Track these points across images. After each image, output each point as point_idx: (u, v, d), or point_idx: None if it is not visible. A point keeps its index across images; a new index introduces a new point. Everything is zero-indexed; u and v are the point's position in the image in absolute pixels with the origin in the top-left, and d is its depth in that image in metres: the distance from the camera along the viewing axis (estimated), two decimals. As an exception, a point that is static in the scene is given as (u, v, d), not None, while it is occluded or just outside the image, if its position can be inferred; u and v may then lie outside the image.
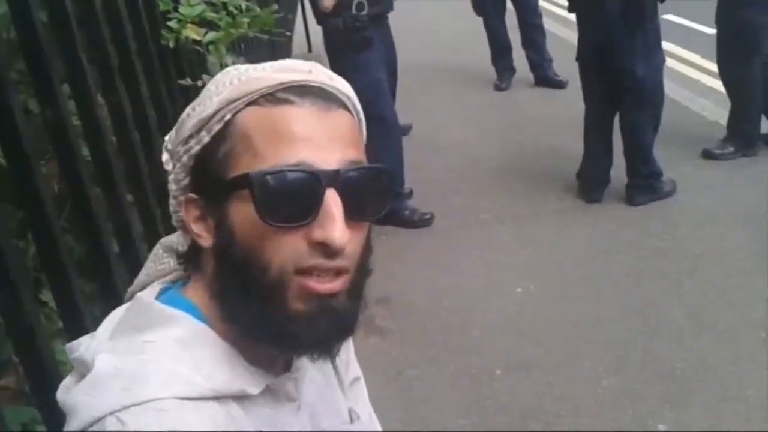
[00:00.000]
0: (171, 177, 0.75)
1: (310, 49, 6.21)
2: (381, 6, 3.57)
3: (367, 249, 0.73)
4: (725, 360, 2.57)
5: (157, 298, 0.75)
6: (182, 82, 1.73)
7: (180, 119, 0.74)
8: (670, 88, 4.96)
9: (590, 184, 3.76)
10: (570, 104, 4.91)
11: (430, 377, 2.64)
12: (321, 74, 0.72)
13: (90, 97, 1.25)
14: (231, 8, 1.87)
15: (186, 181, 0.74)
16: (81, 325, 1.07)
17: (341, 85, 0.74)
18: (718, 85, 5.32)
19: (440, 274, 3.32)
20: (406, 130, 4.73)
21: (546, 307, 2.99)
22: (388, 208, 0.72)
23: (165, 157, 0.76)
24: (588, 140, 3.75)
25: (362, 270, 0.72)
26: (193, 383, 0.65)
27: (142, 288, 0.79)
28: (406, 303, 3.10)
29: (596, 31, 3.49)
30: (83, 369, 0.69)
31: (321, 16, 3.56)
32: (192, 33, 1.67)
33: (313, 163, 0.66)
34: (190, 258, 0.76)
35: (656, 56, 3.50)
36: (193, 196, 0.72)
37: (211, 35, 1.75)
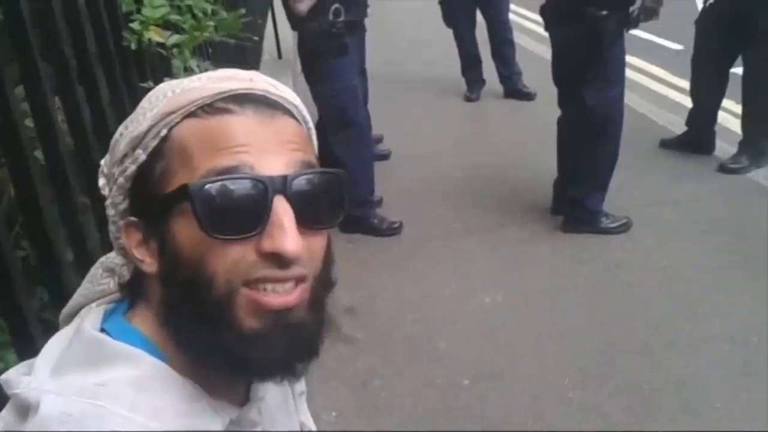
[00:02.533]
0: (108, 202, 0.70)
1: (280, 55, 6.16)
2: (357, 13, 3.54)
3: (328, 259, 0.68)
4: (690, 373, 2.58)
5: (102, 323, 0.69)
6: (144, 84, 1.68)
7: (113, 140, 0.70)
8: (636, 102, 5.04)
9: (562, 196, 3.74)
10: (538, 115, 4.96)
11: (396, 387, 2.61)
12: (263, 83, 0.68)
13: (45, 99, 1.21)
14: (196, 11, 1.83)
15: (124, 205, 0.69)
16: (29, 337, 1.03)
17: (286, 93, 0.69)
18: (685, 99, 5.43)
19: (408, 283, 3.29)
20: (378, 140, 4.73)
21: (513, 318, 2.98)
22: (343, 214, 0.68)
23: (102, 181, 0.72)
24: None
25: (323, 281, 0.68)
26: None
27: (78, 310, 0.73)
28: (373, 312, 3.07)
29: (556, 56, 3.46)
30: (24, 407, 0.61)
31: (296, 21, 3.53)
32: (155, 35, 1.63)
33: (257, 169, 0.62)
34: (134, 285, 0.71)
35: (613, 87, 3.36)
36: (133, 219, 0.68)
37: (176, 38, 1.71)
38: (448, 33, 5.77)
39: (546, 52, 3.61)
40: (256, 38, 4.42)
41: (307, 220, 0.63)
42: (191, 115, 0.64)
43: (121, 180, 0.68)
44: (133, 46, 1.65)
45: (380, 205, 3.90)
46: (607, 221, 3.59)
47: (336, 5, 3.36)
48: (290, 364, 0.65)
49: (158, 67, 1.86)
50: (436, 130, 5.15)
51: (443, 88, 5.99)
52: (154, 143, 0.65)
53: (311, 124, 0.73)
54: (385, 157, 4.59)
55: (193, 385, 0.65)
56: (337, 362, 2.68)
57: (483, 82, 5.80)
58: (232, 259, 0.61)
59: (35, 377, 0.64)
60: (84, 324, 0.68)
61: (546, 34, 3.56)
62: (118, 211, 0.69)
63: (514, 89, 5.66)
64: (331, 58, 3.45)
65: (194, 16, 1.81)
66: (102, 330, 0.68)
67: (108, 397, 0.60)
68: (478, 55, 5.73)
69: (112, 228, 0.72)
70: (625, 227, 3.59)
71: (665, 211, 3.77)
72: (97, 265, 0.77)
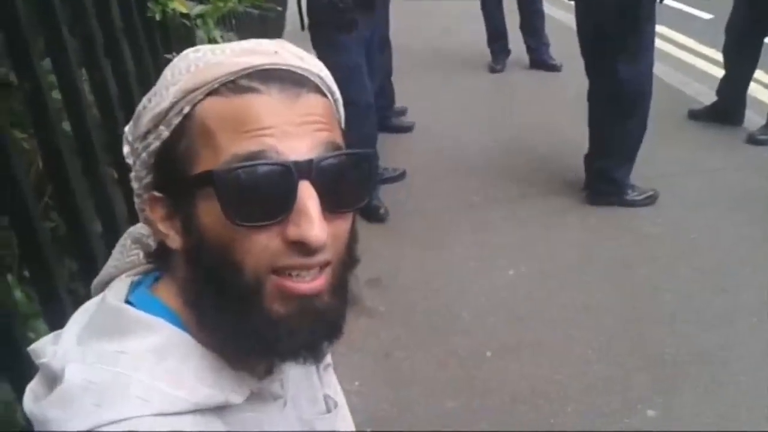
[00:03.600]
0: (133, 174, 0.70)
1: (303, 26, 6.11)
2: None
3: (352, 238, 0.67)
4: (716, 346, 2.56)
5: (128, 295, 0.69)
6: (168, 56, 1.69)
7: (136, 111, 0.68)
8: (664, 72, 4.95)
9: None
10: (564, 87, 4.89)
11: (419, 359, 2.62)
12: (289, 55, 0.65)
13: (72, 71, 1.22)
14: (220, -18, 1.82)
15: (148, 179, 0.68)
16: (60, 306, 1.05)
17: (313, 66, 0.67)
18: (713, 69, 5.34)
19: (430, 256, 3.29)
20: (401, 113, 4.70)
21: (537, 290, 2.97)
22: (370, 195, 0.67)
23: (126, 149, 0.71)
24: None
25: (347, 262, 0.67)
26: (173, 399, 0.60)
27: (109, 281, 0.73)
28: (396, 285, 3.08)
29: (588, 28, 3.38)
30: (51, 377, 0.63)
31: None
32: (179, 6, 1.63)
33: (282, 153, 0.60)
34: (160, 257, 0.71)
35: (645, 58, 3.33)
36: (157, 194, 0.67)
37: (199, 8, 1.71)
38: (471, 3, 5.70)
39: (574, 21, 3.54)
40: (279, 8, 4.40)
41: (332, 205, 0.63)
42: (214, 92, 0.62)
43: (144, 155, 0.67)
44: (158, 17, 1.65)
45: (403, 177, 3.87)
46: (634, 193, 3.55)
47: None
48: (316, 347, 0.66)
49: (183, 38, 1.86)
50: (460, 102, 5.10)
51: (468, 58, 5.92)
52: (177, 120, 0.64)
53: (338, 94, 0.71)
54: (408, 129, 4.56)
55: (214, 356, 0.65)
56: (361, 334, 2.70)
57: (508, 52, 5.72)
58: (259, 247, 0.61)
59: (61, 347, 0.65)
60: (108, 294, 0.69)
61: (572, 3, 3.50)
62: (142, 185, 0.69)
63: (541, 60, 5.58)
64: (336, 33, 3.33)
65: (218, -14, 1.80)
66: (127, 301, 0.68)
67: (129, 364, 0.61)
68: (504, 26, 5.64)
69: (137, 200, 0.71)
70: (651, 199, 3.55)
71: (693, 183, 3.72)
72: (126, 235, 0.77)
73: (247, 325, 0.62)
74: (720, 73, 4.46)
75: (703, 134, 4.24)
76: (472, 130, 4.58)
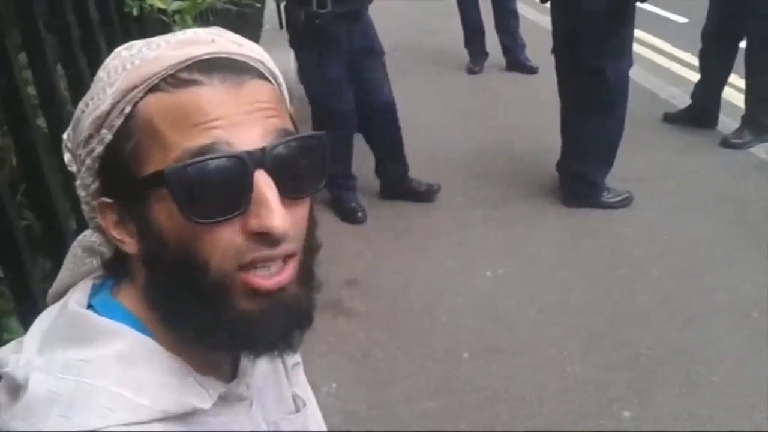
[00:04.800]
0: (78, 182, 0.67)
1: (281, 25, 6.08)
2: (351, 2, 3.23)
3: (311, 224, 0.67)
4: (692, 346, 2.59)
5: (90, 300, 0.67)
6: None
7: (74, 116, 0.66)
8: (638, 74, 5.00)
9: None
10: (541, 89, 4.91)
11: (397, 360, 2.62)
12: (227, 42, 0.64)
13: (47, 66, 1.19)
14: (199, -22, 1.80)
15: (95, 185, 0.65)
16: (34, 304, 1.03)
17: (252, 51, 0.65)
18: (687, 73, 5.40)
19: (410, 256, 3.29)
20: None
21: (515, 292, 2.98)
22: (325, 178, 0.65)
23: (67, 157, 0.68)
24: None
25: (310, 248, 0.66)
26: (139, 407, 0.59)
27: (65, 292, 0.70)
28: (375, 286, 3.07)
29: (568, 29, 3.38)
30: (14, 386, 0.61)
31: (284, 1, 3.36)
32: (157, 1, 1.61)
33: (233, 144, 0.59)
34: (116, 264, 0.69)
35: (625, 59, 3.37)
36: (106, 200, 0.64)
37: (177, 4, 1.69)
38: (451, 3, 5.71)
39: (549, 22, 3.55)
40: (258, 5, 4.37)
41: (289, 191, 0.61)
42: (154, 88, 0.60)
43: (88, 161, 0.64)
44: (135, 12, 1.62)
45: (435, 194, 3.78)
46: (609, 195, 3.58)
47: None
48: (288, 338, 0.65)
49: (159, 33, 1.83)
50: (438, 103, 5.11)
51: (446, 59, 5.93)
52: (119, 122, 0.61)
53: (281, 78, 0.69)
54: None
55: (179, 361, 0.64)
56: (338, 335, 2.69)
57: (486, 54, 5.74)
58: (222, 244, 0.60)
59: (24, 355, 0.63)
60: (69, 300, 0.67)
61: (545, 5, 3.51)
62: (89, 192, 0.66)
63: (517, 62, 5.60)
64: (316, 50, 3.26)
65: (197, -18, 1.78)
66: (89, 306, 0.67)
67: (94, 373, 0.60)
68: (481, 27, 5.66)
69: (85, 208, 0.68)
70: (626, 201, 3.58)
71: (667, 185, 3.76)
72: (75, 244, 0.74)
73: (217, 324, 0.61)
74: (694, 76, 4.52)
75: (678, 137, 4.28)
76: (451, 132, 4.59)
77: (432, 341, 2.70)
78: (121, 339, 0.62)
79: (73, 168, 0.67)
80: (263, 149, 0.59)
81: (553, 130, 3.75)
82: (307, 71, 3.44)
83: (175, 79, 0.60)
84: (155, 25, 1.81)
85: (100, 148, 0.63)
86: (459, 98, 5.22)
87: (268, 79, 0.65)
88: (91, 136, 0.63)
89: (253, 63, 0.64)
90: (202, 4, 1.74)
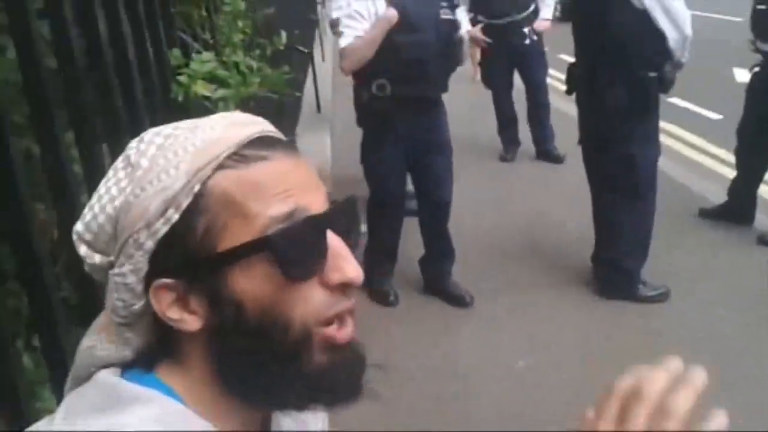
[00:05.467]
0: (125, 269, 0.64)
1: (319, 109, 6.27)
2: (413, 88, 3.24)
3: None
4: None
5: (121, 377, 0.66)
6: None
7: (116, 209, 0.64)
8: (673, 169, 5.01)
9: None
10: (570, 177, 4.94)
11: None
12: (265, 123, 0.70)
13: (95, 144, 1.25)
14: (242, 68, 1.89)
15: (146, 268, 0.64)
16: (67, 374, 1.04)
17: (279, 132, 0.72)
18: (721, 168, 5.39)
19: (438, 342, 3.26)
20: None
21: (544, 384, 2.92)
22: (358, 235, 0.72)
23: (84, 249, 0.66)
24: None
25: None
26: None
27: (87, 377, 0.67)
28: (403, 370, 3.04)
29: (595, 121, 3.45)
30: None
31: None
32: (202, 89, 1.69)
33: (309, 209, 0.64)
34: (160, 348, 0.68)
35: (654, 146, 3.41)
36: (166, 281, 0.63)
37: (221, 92, 1.77)
38: (487, 95, 5.84)
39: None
40: (298, 94, 4.51)
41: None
42: (221, 167, 0.63)
43: (149, 244, 0.63)
44: (180, 98, 1.70)
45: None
46: (645, 289, 3.53)
47: (381, 81, 3.19)
48: (359, 387, 0.68)
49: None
50: (469, 189, 5.13)
51: (480, 147, 6.01)
52: (187, 201, 0.62)
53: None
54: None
55: (215, 427, 0.65)
56: (364, 419, 2.64)
57: (518, 143, 5.83)
58: (305, 301, 0.64)
59: (55, 427, 0.62)
60: (99, 373, 0.66)
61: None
62: (139, 278, 0.64)
63: (545, 151, 5.69)
64: (371, 132, 3.38)
65: (240, 72, 1.86)
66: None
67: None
68: (514, 116, 5.79)
69: (125, 296, 0.65)
70: (663, 297, 3.52)
71: (704, 282, 3.70)
72: (92, 336, 0.71)
73: (295, 381, 0.64)
74: (728, 172, 4.51)
75: (714, 233, 4.24)
76: (482, 218, 4.61)
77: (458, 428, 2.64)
78: (157, 404, 0.63)
79: (96, 259, 0.66)
80: (329, 211, 0.66)
81: (580, 220, 3.75)
82: (363, 151, 3.53)
83: (240, 156, 0.64)
84: (198, 110, 1.89)
85: (165, 229, 0.63)
86: (490, 186, 5.27)
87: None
88: (155, 219, 0.63)
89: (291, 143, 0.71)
90: (245, 92, 1.82)
